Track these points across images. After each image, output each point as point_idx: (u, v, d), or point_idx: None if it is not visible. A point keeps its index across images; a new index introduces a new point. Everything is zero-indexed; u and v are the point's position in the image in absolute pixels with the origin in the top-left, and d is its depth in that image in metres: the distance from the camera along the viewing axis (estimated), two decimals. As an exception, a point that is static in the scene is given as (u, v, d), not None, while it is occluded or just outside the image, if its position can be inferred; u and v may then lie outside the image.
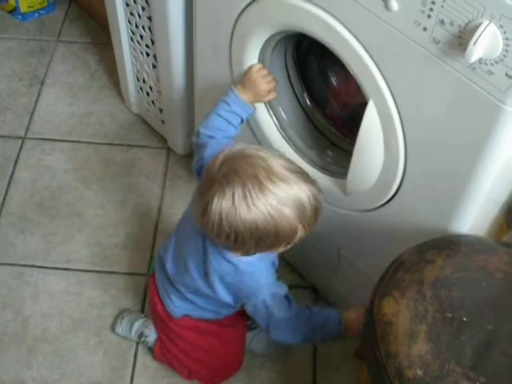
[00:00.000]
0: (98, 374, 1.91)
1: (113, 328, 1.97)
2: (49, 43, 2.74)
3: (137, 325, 1.93)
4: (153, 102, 2.32)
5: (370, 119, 1.37)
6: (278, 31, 1.52)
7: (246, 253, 1.46)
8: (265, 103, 1.70)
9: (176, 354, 1.85)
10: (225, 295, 1.58)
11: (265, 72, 1.62)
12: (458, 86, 1.17)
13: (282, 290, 1.57)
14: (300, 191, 1.35)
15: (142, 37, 2.12)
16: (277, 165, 1.35)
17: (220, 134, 1.59)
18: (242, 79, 1.63)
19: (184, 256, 1.62)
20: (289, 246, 1.45)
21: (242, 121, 1.62)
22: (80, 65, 2.67)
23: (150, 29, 2.04)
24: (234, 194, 1.32)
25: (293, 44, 1.65)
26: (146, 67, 2.22)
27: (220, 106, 1.61)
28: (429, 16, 1.14)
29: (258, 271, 1.53)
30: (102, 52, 2.70)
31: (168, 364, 1.90)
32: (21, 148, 2.40)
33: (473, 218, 1.39)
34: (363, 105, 1.39)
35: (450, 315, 1.21)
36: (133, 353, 1.95)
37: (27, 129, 2.45)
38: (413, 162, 1.38)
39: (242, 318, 1.81)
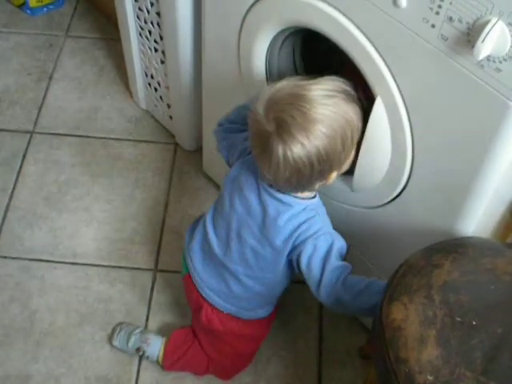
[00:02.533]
0: (104, 368, 1.91)
1: (109, 340, 1.96)
2: (57, 38, 2.75)
3: (133, 339, 1.92)
4: (161, 97, 2.33)
5: (378, 116, 1.37)
6: (286, 27, 1.52)
7: (340, 167, 1.43)
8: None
9: (205, 345, 1.85)
10: (283, 242, 1.51)
11: None
12: (465, 83, 1.17)
13: (343, 242, 1.54)
14: (334, 82, 1.37)
15: (150, 32, 2.12)
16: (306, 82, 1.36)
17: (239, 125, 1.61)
18: None
19: (234, 229, 1.57)
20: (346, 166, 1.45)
21: None
22: (88, 60, 2.67)
23: (158, 24, 2.04)
24: (300, 125, 1.31)
25: (301, 40, 1.65)
26: (154, 63, 2.22)
27: (242, 105, 1.63)
28: (437, 13, 1.14)
29: (320, 210, 1.53)
30: (111, 47, 2.70)
31: (180, 369, 1.90)
32: (29, 142, 2.40)
33: (479, 217, 1.39)
34: (371, 101, 1.39)
35: (459, 319, 1.21)
36: (139, 347, 1.95)
37: (35, 123, 2.46)
38: (420, 159, 1.38)
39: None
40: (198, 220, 1.73)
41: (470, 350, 1.17)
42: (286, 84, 1.36)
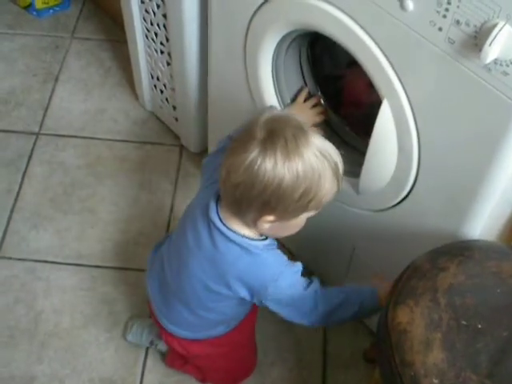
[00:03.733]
0: (109, 370, 1.91)
1: (124, 336, 1.97)
2: (63, 40, 2.75)
3: (146, 331, 1.93)
4: (166, 99, 2.33)
5: (384, 119, 1.37)
6: (292, 30, 1.52)
7: (283, 214, 1.38)
8: (278, 100, 1.70)
9: (188, 366, 1.87)
10: (242, 290, 1.48)
11: (312, 103, 1.68)
12: (472, 87, 1.17)
13: (297, 267, 1.50)
14: (332, 146, 1.36)
15: (156, 34, 2.13)
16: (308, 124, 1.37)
17: None
18: (289, 106, 1.69)
19: (184, 260, 1.53)
20: (319, 209, 1.41)
21: None
22: (94, 61, 2.68)
23: (164, 26, 2.05)
24: (276, 152, 1.28)
25: (307, 43, 1.65)
26: (160, 65, 2.22)
27: None
28: (444, 16, 1.14)
29: (274, 257, 1.48)
30: (117, 49, 2.71)
31: (180, 370, 1.91)
32: (34, 144, 2.41)
33: (486, 219, 1.39)
34: (377, 104, 1.39)
35: (464, 323, 1.20)
36: (144, 349, 1.95)
37: (41, 125, 2.46)
38: (426, 162, 1.38)
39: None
40: (163, 242, 1.69)
41: (475, 354, 1.17)
42: (295, 116, 1.36)
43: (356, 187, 1.58)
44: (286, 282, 1.46)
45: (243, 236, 1.42)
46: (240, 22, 1.61)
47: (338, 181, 1.36)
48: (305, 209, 1.37)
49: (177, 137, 2.42)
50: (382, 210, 1.58)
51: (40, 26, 2.80)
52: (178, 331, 1.65)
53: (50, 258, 2.12)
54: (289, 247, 2.11)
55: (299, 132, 1.30)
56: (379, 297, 1.48)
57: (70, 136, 2.44)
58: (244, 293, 1.48)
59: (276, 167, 1.28)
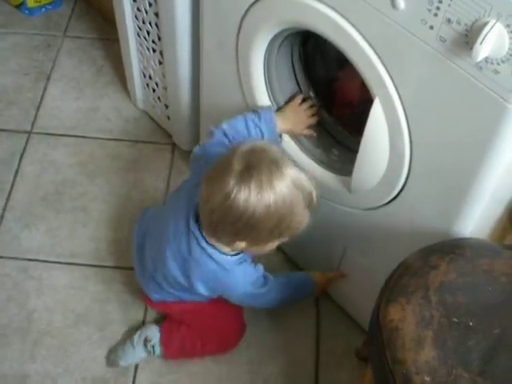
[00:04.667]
0: (101, 369, 1.91)
1: (116, 365, 1.92)
2: (55, 38, 2.75)
3: (135, 340, 1.91)
4: (159, 97, 2.33)
5: (376, 117, 1.38)
6: (284, 28, 1.52)
7: (254, 241, 1.49)
8: (270, 99, 1.70)
9: (182, 337, 1.89)
10: (203, 290, 1.64)
11: (307, 105, 1.72)
12: (463, 85, 1.17)
13: (259, 273, 1.68)
14: (306, 179, 1.44)
15: (148, 33, 2.12)
16: (285, 156, 1.45)
17: (236, 136, 1.64)
18: (284, 107, 1.72)
19: (163, 255, 1.65)
20: (290, 238, 1.51)
21: (262, 137, 1.66)
22: (86, 60, 2.67)
23: (156, 25, 2.04)
24: (260, 180, 1.37)
25: (299, 41, 1.65)
26: (152, 63, 2.22)
27: (250, 116, 1.66)
28: (435, 14, 1.14)
29: (238, 268, 1.60)
30: (109, 48, 2.70)
31: (181, 354, 1.91)
32: (26, 142, 2.40)
33: (477, 218, 1.39)
34: (369, 103, 1.39)
35: (456, 320, 1.21)
36: (136, 348, 1.95)
37: (33, 123, 2.46)
38: (418, 161, 1.38)
39: None
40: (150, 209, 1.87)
41: (466, 351, 1.18)
42: (273, 148, 1.44)
43: (348, 186, 1.59)
44: (246, 289, 1.65)
45: (221, 252, 1.57)
46: (232, 20, 1.61)
47: (311, 210, 1.46)
48: (277, 237, 1.50)
49: (169, 135, 2.42)
50: (373, 209, 1.58)
51: (32, 24, 2.79)
52: (159, 297, 1.80)
53: (41, 257, 2.12)
54: (280, 246, 2.11)
55: (274, 165, 1.39)
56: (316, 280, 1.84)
57: (61, 135, 2.43)
58: (203, 291, 1.64)
59: (249, 199, 1.37)
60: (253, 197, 1.37)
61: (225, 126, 1.64)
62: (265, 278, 1.70)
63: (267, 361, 1.93)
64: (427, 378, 1.15)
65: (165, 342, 1.89)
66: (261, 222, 1.41)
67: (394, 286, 1.29)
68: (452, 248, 1.34)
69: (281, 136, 1.71)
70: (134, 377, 1.90)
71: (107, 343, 1.95)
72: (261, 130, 1.65)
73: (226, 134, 1.64)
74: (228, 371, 1.92)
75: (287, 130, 1.70)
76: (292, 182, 1.40)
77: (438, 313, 1.22)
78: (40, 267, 2.10)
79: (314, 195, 1.45)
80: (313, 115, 1.73)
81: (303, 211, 1.44)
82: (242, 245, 1.50)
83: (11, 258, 2.11)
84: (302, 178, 1.42)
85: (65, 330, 1.98)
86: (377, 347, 1.24)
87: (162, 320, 1.96)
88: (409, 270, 1.30)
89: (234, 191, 1.37)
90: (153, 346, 1.89)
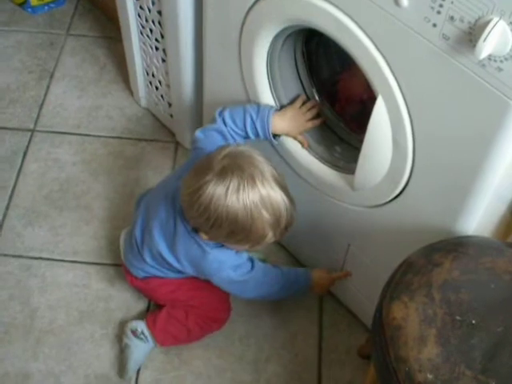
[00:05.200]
0: (104, 366, 1.91)
1: (126, 372, 1.89)
2: (58, 36, 2.75)
3: (126, 339, 1.91)
4: (162, 96, 2.33)
5: (379, 115, 1.38)
6: (287, 26, 1.52)
7: (214, 239, 1.59)
8: (273, 97, 1.70)
9: (166, 312, 1.91)
10: (189, 269, 1.72)
11: (307, 107, 1.72)
12: (466, 83, 1.17)
13: (242, 259, 1.71)
14: (281, 200, 1.50)
15: (151, 31, 2.13)
16: (269, 172, 1.51)
17: (233, 126, 1.68)
18: (284, 109, 1.72)
19: (150, 224, 1.72)
20: (252, 249, 1.60)
21: (257, 136, 1.70)
22: (89, 58, 2.67)
23: (159, 23, 2.05)
24: (230, 183, 1.46)
25: (302, 39, 1.65)
26: (155, 61, 2.22)
27: (250, 111, 1.68)
28: (438, 12, 1.14)
29: (222, 256, 1.65)
30: (112, 46, 2.70)
31: (171, 338, 1.91)
32: (30, 140, 2.41)
33: (480, 216, 1.39)
34: (372, 100, 1.39)
35: (459, 318, 1.21)
36: (139, 346, 1.95)
37: (36, 121, 2.46)
38: (421, 158, 1.38)
39: None
40: (145, 193, 1.89)
41: (469, 349, 1.18)
42: (255, 159, 1.51)
43: (351, 183, 1.59)
44: (229, 274, 1.68)
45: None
46: (235, 18, 1.61)
47: (277, 230, 1.53)
48: (236, 243, 1.57)
49: (172, 133, 2.42)
50: (376, 206, 1.58)
51: (35, 22, 2.80)
52: (140, 272, 1.85)
53: (45, 255, 2.12)
54: (282, 244, 2.11)
55: (250, 178, 1.47)
56: (312, 279, 1.83)
57: (65, 133, 2.44)
58: (192, 272, 1.73)
59: (213, 199, 1.46)
60: (218, 198, 1.46)
61: (226, 114, 1.68)
62: (251, 265, 1.72)
63: (270, 359, 1.93)
64: (430, 376, 1.15)
65: (150, 324, 1.90)
66: (219, 224, 1.49)
67: (397, 283, 1.28)
68: (455, 246, 1.34)
69: (275, 137, 1.71)
70: (138, 374, 1.90)
71: (110, 341, 1.96)
72: (256, 128, 1.68)
73: (225, 123, 1.68)
74: (231, 370, 1.92)
75: (284, 132, 1.71)
76: (260, 200, 1.47)
77: (441, 310, 1.22)
78: (43, 265, 2.10)
79: (284, 220, 1.52)
80: (312, 119, 1.72)
81: (266, 230, 1.51)
82: (205, 236, 1.58)
83: (14, 255, 2.12)
84: (274, 200, 1.49)
85: (68, 328, 1.98)
86: (379, 345, 1.24)
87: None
88: (412, 268, 1.30)
89: (204, 188, 1.46)
90: (142, 333, 1.89)
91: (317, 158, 1.70)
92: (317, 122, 1.73)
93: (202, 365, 1.92)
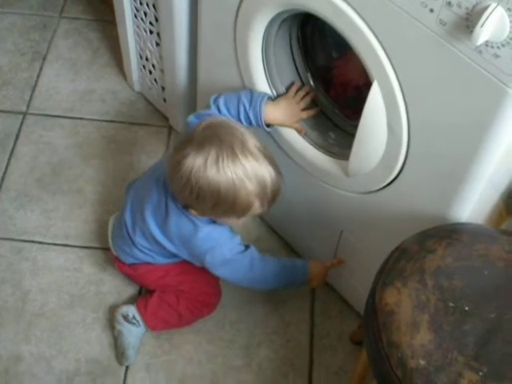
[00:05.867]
0: (95, 351, 1.91)
1: (127, 358, 1.89)
2: (52, 19, 2.73)
3: (118, 325, 1.91)
4: (155, 80, 2.32)
5: (374, 100, 1.37)
6: (283, 10, 1.51)
7: (202, 213, 1.58)
8: (268, 82, 1.69)
9: (157, 297, 1.91)
10: (182, 250, 1.70)
11: (300, 96, 1.71)
12: (463, 69, 1.17)
13: (236, 240, 1.70)
14: (266, 172, 1.50)
15: (145, 14, 2.11)
16: (252, 143, 1.50)
17: (227, 114, 1.66)
18: (278, 99, 1.71)
19: (142, 207, 1.72)
20: (242, 219, 1.58)
21: (251, 124, 1.69)
22: (82, 41, 2.66)
23: (154, 6, 2.03)
24: (208, 155, 1.46)
25: (297, 24, 1.64)
26: (149, 45, 2.21)
27: (243, 99, 1.67)
28: (436, -3, 1.14)
29: (213, 229, 1.64)
30: (105, 29, 2.69)
31: (162, 323, 1.92)
32: (22, 123, 2.39)
33: (474, 203, 1.39)
34: (367, 86, 1.38)
35: (452, 304, 1.21)
36: (131, 330, 1.95)
37: (28, 104, 2.45)
38: (416, 145, 1.38)
39: None
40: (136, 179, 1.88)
41: (462, 335, 1.18)
42: (240, 130, 1.51)
43: (345, 169, 1.58)
44: (223, 252, 1.66)
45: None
46: (230, 2, 1.60)
47: (263, 199, 1.52)
48: (224, 214, 1.56)
49: (165, 118, 2.41)
50: (370, 192, 1.58)
51: (28, 4, 2.78)
52: (129, 258, 1.85)
53: (37, 238, 2.12)
54: (275, 230, 2.11)
55: (230, 149, 1.47)
56: (311, 271, 1.79)
57: (57, 116, 2.42)
58: (185, 254, 1.71)
59: (193, 170, 1.46)
60: (197, 170, 1.46)
61: (221, 101, 1.67)
62: (245, 248, 1.71)
63: (261, 344, 1.94)
64: (422, 362, 1.15)
65: (141, 309, 1.90)
66: (202, 196, 1.49)
67: (390, 269, 1.29)
68: (449, 232, 1.34)
69: (269, 126, 1.70)
70: (129, 359, 1.90)
71: (101, 325, 1.96)
72: (249, 117, 1.67)
73: (219, 110, 1.67)
74: (222, 355, 1.92)
75: (278, 121, 1.70)
76: (243, 170, 1.46)
77: (434, 297, 1.22)
78: (35, 248, 2.10)
79: (270, 190, 1.51)
80: (307, 109, 1.71)
81: (251, 200, 1.50)
82: (193, 212, 1.58)
83: (6, 238, 2.11)
84: (257, 171, 1.48)
85: (59, 312, 1.98)
86: (372, 331, 1.24)
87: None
88: (405, 254, 1.30)
89: (184, 160, 1.47)
90: (134, 317, 1.90)
91: (311, 144, 1.70)
92: (311, 111, 1.72)
93: (192, 349, 1.92)
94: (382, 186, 1.53)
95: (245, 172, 1.46)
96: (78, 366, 1.89)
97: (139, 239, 1.77)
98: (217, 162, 1.45)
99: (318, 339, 1.96)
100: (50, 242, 2.11)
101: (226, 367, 1.90)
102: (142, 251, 1.80)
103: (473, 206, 1.40)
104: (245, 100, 1.67)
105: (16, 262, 2.06)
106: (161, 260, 1.82)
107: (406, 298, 1.23)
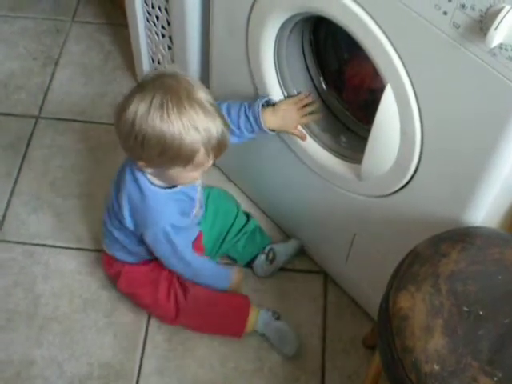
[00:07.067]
0: (107, 355, 1.91)
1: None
2: (64, 23, 2.74)
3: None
4: (167, 83, 2.31)
5: (387, 104, 1.37)
6: (295, 13, 1.51)
7: (149, 162, 1.55)
8: (280, 85, 1.69)
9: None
10: (128, 219, 1.69)
11: (302, 103, 1.71)
12: (477, 72, 1.16)
13: (183, 222, 1.71)
14: (212, 122, 1.48)
15: (157, 18, 2.11)
16: (201, 94, 1.49)
17: (228, 117, 1.67)
18: (279, 103, 1.72)
19: (112, 182, 1.75)
20: (188, 168, 1.54)
21: (253, 132, 1.72)
22: (94, 45, 2.66)
23: (166, 10, 2.03)
24: (152, 100, 1.44)
25: (310, 27, 1.64)
26: (161, 49, 2.21)
27: (245, 104, 1.70)
28: (449, 0, 1.13)
29: (161, 199, 1.64)
30: (117, 33, 2.69)
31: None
32: (34, 127, 2.40)
33: (488, 207, 1.39)
34: (380, 89, 1.38)
35: (466, 309, 1.21)
36: (143, 334, 1.95)
37: (41, 108, 2.45)
38: (429, 148, 1.37)
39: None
40: None
41: (476, 340, 1.17)
42: (187, 79, 1.51)
43: (357, 173, 1.58)
44: (166, 228, 1.65)
45: (150, 182, 1.62)
46: (242, 5, 1.60)
47: (208, 147, 1.49)
48: (170, 163, 1.53)
49: (177, 122, 2.41)
50: (383, 196, 1.57)
51: (40, 9, 2.78)
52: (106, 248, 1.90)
53: (49, 242, 2.12)
54: (289, 232, 2.11)
55: (172, 95, 1.44)
56: (233, 281, 1.87)
57: (69, 120, 2.43)
58: (129, 223, 1.70)
59: (136, 118, 1.45)
60: (141, 115, 1.45)
61: (224, 104, 1.69)
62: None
63: (273, 348, 1.93)
64: (436, 367, 1.15)
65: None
66: (147, 142, 1.47)
67: (404, 273, 1.28)
68: (463, 236, 1.33)
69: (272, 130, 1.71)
70: (141, 362, 1.90)
71: (113, 329, 1.96)
72: (248, 119, 1.68)
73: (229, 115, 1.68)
74: (234, 359, 1.92)
75: (276, 125, 1.71)
76: (189, 120, 1.45)
77: (448, 301, 1.22)
78: (47, 252, 2.10)
79: (215, 139, 1.49)
80: (307, 114, 1.72)
81: (196, 148, 1.48)
82: (141, 163, 1.56)
83: (18, 242, 2.11)
84: (204, 122, 1.46)
85: (71, 316, 1.98)
86: (386, 335, 1.24)
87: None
88: (419, 258, 1.29)
89: (128, 105, 1.47)
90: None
91: (322, 147, 1.70)
92: (312, 117, 1.72)
93: (205, 353, 1.92)
94: (395, 189, 1.52)
95: (191, 120, 1.45)
96: (90, 370, 1.88)
97: (108, 221, 1.81)
98: (161, 108, 1.44)
99: (330, 343, 1.95)
100: (62, 245, 2.11)
101: (238, 371, 1.90)
102: (115, 240, 1.83)
103: (487, 209, 1.40)
104: (246, 104, 1.68)
105: (28, 265, 2.07)
106: (125, 241, 1.83)
107: (419, 303, 1.22)
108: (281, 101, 1.72)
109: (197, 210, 1.77)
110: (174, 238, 1.68)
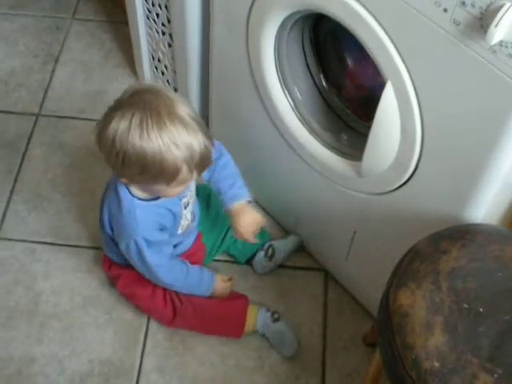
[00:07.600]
0: (108, 352, 1.91)
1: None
2: (64, 21, 2.74)
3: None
4: (168, 81, 2.32)
5: (388, 101, 1.37)
6: (295, 11, 1.50)
7: (131, 179, 1.54)
8: (280, 83, 1.69)
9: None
10: (108, 225, 1.73)
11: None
12: (477, 69, 1.16)
13: (159, 237, 1.70)
14: (194, 138, 1.45)
15: (158, 15, 2.11)
16: (181, 108, 1.46)
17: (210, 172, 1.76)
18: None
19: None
20: (172, 185, 1.52)
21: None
22: (95, 43, 2.66)
23: (166, 7, 2.03)
24: (132, 118, 1.42)
25: (310, 24, 1.64)
26: (161, 46, 2.21)
27: (230, 180, 1.79)
28: (450, -4, 1.13)
29: (138, 212, 1.63)
30: (117, 30, 2.69)
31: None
32: (34, 125, 2.40)
33: (488, 204, 1.39)
34: (380, 86, 1.38)
35: (466, 306, 1.21)
36: (143, 332, 1.95)
37: (41, 106, 2.46)
38: (429, 145, 1.37)
39: None
40: None
41: (476, 337, 1.17)
42: (167, 94, 1.48)
43: (358, 170, 1.58)
44: (137, 239, 1.65)
45: (130, 193, 1.62)
46: (243, 3, 1.60)
47: (191, 164, 1.47)
48: (153, 181, 1.52)
49: (177, 119, 2.41)
50: (384, 194, 1.57)
51: (41, 6, 2.79)
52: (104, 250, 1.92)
53: (49, 240, 2.12)
54: (289, 229, 2.11)
55: (152, 112, 1.42)
56: (214, 287, 1.86)
57: (70, 117, 2.43)
58: (109, 229, 1.74)
59: (116, 136, 1.43)
60: (121, 133, 1.43)
61: (220, 163, 1.77)
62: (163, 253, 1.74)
63: (274, 346, 1.93)
64: (437, 364, 1.15)
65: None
66: (128, 160, 1.46)
67: (404, 271, 1.28)
68: (463, 233, 1.33)
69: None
70: (141, 360, 1.90)
71: (114, 326, 1.96)
72: (220, 193, 1.79)
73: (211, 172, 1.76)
74: (235, 357, 1.92)
75: (236, 222, 1.78)
76: (169, 137, 1.42)
77: (448, 298, 1.22)
78: (47, 250, 2.10)
79: (198, 155, 1.47)
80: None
81: (179, 166, 1.46)
82: (124, 180, 1.56)
83: (19, 240, 2.12)
84: (186, 138, 1.44)
85: (72, 313, 1.98)
86: (386, 332, 1.24)
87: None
88: (419, 256, 1.29)
89: (109, 124, 1.44)
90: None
91: (323, 145, 1.70)
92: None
93: (205, 351, 1.92)
94: (394, 187, 1.52)
95: (171, 138, 1.42)
96: (90, 367, 1.89)
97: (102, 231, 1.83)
98: (140, 125, 1.41)
99: (330, 340, 1.95)
100: (62, 243, 2.12)
101: (239, 369, 1.90)
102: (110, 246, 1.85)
103: (487, 206, 1.39)
104: (228, 195, 1.77)
105: (28, 263, 2.07)
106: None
107: (420, 300, 1.22)
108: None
109: (184, 226, 1.78)
110: (145, 251, 1.68)
